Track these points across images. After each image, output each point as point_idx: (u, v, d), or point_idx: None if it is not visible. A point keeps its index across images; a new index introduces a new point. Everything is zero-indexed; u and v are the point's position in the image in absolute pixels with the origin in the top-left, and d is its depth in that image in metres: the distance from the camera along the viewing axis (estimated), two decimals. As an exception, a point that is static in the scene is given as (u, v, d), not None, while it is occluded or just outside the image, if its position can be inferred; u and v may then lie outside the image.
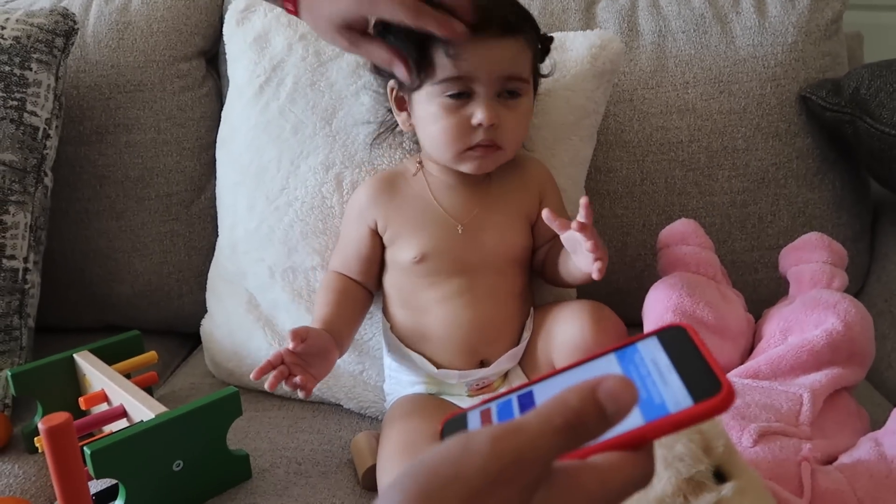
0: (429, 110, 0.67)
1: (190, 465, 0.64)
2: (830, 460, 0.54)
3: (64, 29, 0.88)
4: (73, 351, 0.77)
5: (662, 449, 0.46)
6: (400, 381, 0.74)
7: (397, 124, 0.75)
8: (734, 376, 0.67)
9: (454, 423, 0.35)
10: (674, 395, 0.30)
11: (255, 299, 0.82)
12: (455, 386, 0.71)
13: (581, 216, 0.62)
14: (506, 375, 0.73)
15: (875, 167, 0.84)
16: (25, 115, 0.84)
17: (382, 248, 0.74)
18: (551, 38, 0.72)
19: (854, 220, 0.93)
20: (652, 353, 0.32)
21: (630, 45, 0.93)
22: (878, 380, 0.84)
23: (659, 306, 0.69)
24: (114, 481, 0.63)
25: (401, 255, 0.72)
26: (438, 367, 0.71)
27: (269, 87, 0.81)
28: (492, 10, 0.64)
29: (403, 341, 0.73)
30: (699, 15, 0.94)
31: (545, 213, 0.65)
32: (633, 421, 0.29)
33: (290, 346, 0.62)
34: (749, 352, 0.72)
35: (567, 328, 0.69)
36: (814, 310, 0.68)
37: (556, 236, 0.75)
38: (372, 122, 0.78)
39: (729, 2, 0.95)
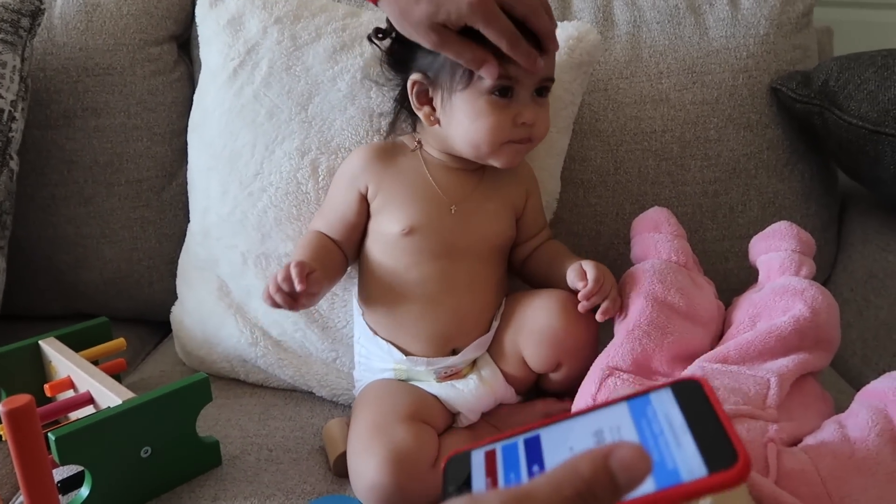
0: (474, 107, 0.67)
1: (158, 452, 0.63)
2: (796, 441, 0.55)
3: (30, 9, 0.86)
4: (39, 337, 0.76)
5: None
6: (370, 367, 0.74)
7: (400, 115, 0.75)
8: (704, 361, 0.67)
9: (457, 463, 0.34)
10: (687, 461, 0.28)
11: (227, 286, 0.81)
12: (424, 372, 0.71)
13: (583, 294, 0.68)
14: (474, 363, 0.73)
15: (843, 158, 0.85)
16: (-11, 96, 0.82)
17: (368, 217, 0.73)
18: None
19: (822, 210, 0.95)
20: (666, 409, 0.31)
21: (605, 36, 0.94)
22: (843, 367, 0.85)
23: (631, 293, 0.70)
24: (80, 468, 0.62)
25: (388, 225, 0.71)
26: (408, 354, 0.71)
27: (243, 70, 0.80)
28: None
29: (375, 328, 0.73)
30: (673, 6, 0.95)
31: (571, 276, 0.69)
32: (645, 487, 0.28)
33: (299, 286, 0.64)
34: (719, 338, 0.73)
35: (536, 317, 0.70)
36: (782, 297, 0.68)
37: (538, 235, 0.78)
38: (348, 112, 0.77)
39: (702, -7, 0.96)
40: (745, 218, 0.93)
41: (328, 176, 0.76)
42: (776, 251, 0.75)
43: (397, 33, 0.68)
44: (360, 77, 0.78)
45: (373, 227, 0.73)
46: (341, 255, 0.73)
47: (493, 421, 0.73)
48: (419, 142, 0.74)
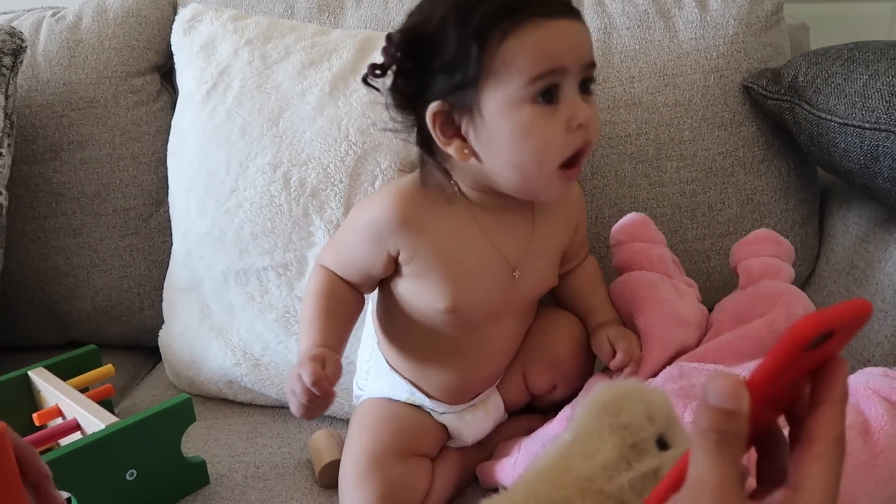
0: (514, 123, 0.54)
1: (144, 474, 0.64)
2: None
3: (11, 47, 0.88)
4: (28, 368, 0.77)
5: (609, 417, 0.47)
6: (380, 388, 0.70)
7: (427, 165, 0.61)
8: (682, 360, 0.68)
9: None
10: None
11: (209, 307, 0.82)
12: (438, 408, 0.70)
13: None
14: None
15: (815, 152, 0.86)
16: (-26, 134, 0.84)
17: (395, 271, 0.63)
18: None
19: (801, 204, 0.95)
20: None
21: (576, 43, 0.95)
22: (830, 359, 0.85)
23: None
24: (67, 495, 0.62)
25: (427, 297, 0.61)
26: (430, 397, 0.68)
27: (216, 92, 0.82)
28: None
29: (394, 366, 0.68)
30: (643, 11, 0.96)
31: (597, 349, 0.69)
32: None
33: (318, 390, 0.57)
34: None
35: (543, 345, 0.71)
36: (760, 300, 0.71)
37: (577, 258, 0.75)
38: (317, 122, 0.78)
39: (671, -3, 0.97)
40: (724, 216, 0.93)
41: (300, 187, 0.76)
42: (756, 256, 0.77)
43: (402, 59, 0.57)
44: (378, 128, 0.72)
45: (404, 286, 0.63)
46: (358, 297, 0.66)
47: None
48: (455, 184, 0.61)
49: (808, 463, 0.32)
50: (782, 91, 0.87)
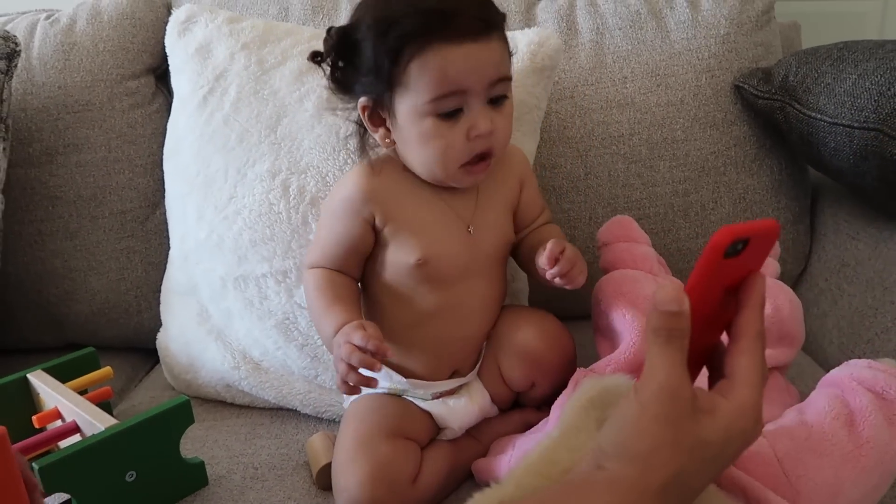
0: (419, 130, 0.62)
1: (143, 476, 0.65)
2: None
3: (6, 51, 0.88)
4: (27, 371, 0.77)
5: (595, 411, 0.49)
6: None
7: (365, 138, 0.69)
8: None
9: None
10: None
11: (207, 311, 0.83)
12: (420, 392, 0.71)
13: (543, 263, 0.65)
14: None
15: (806, 151, 0.86)
16: (-30, 138, 0.84)
17: (375, 243, 0.69)
18: (504, 15, 0.66)
19: (793, 203, 0.96)
20: None
21: (569, 44, 0.96)
22: (820, 355, 0.86)
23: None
24: (66, 496, 0.63)
25: (399, 255, 0.67)
26: (408, 376, 0.70)
27: (212, 97, 0.82)
28: (467, 9, 0.60)
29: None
30: (635, 12, 0.97)
31: (542, 261, 0.65)
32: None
33: (372, 346, 0.59)
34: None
35: (516, 338, 0.71)
36: None
37: (535, 221, 0.75)
38: (316, 130, 0.79)
39: (663, -2, 0.98)
40: (717, 215, 0.94)
41: (299, 195, 0.77)
42: None
43: (335, 55, 0.64)
44: (325, 108, 0.77)
45: (379, 254, 0.69)
46: (353, 283, 0.70)
47: (473, 433, 0.74)
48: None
49: (736, 356, 0.39)
50: (773, 90, 0.88)
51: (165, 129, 1.00)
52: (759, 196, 0.94)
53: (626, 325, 0.69)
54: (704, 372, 0.43)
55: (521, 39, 0.84)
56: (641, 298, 0.71)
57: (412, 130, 0.63)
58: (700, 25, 0.95)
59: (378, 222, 0.67)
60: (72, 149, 0.97)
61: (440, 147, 0.62)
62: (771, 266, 0.75)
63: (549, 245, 0.66)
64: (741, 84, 0.93)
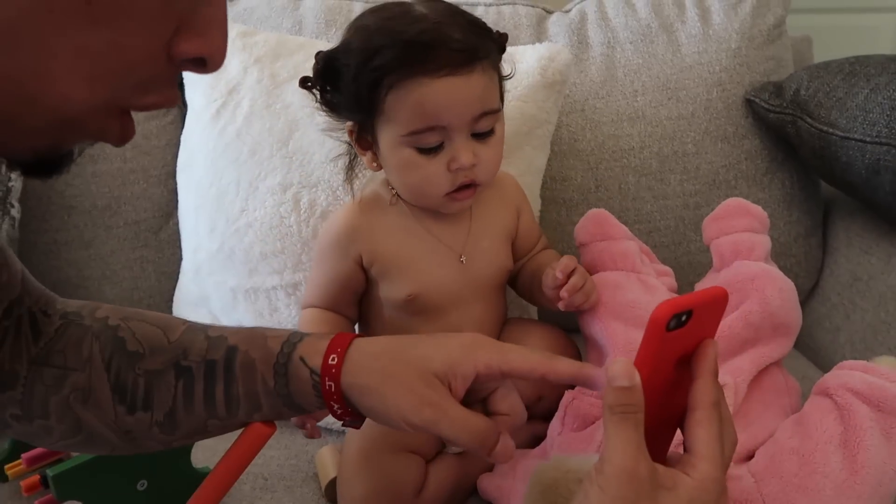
0: (398, 159, 0.62)
1: (155, 485, 0.65)
2: (751, 453, 0.55)
3: (25, 64, 0.90)
4: (41, 379, 0.78)
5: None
6: None
7: (355, 161, 0.71)
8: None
9: None
10: None
11: (219, 321, 0.84)
12: None
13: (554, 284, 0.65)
14: None
15: (818, 165, 0.86)
16: (-11, 149, 0.86)
17: (367, 281, 0.70)
18: (506, 36, 0.67)
19: (805, 216, 0.96)
20: None
21: (580, 57, 0.96)
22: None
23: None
24: (79, 504, 0.64)
25: (390, 291, 0.68)
26: None
27: (225, 110, 0.83)
28: (448, 41, 0.58)
29: None
30: (646, 25, 0.98)
31: (547, 280, 0.65)
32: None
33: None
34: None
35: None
36: (733, 288, 0.66)
37: (534, 249, 0.76)
38: (327, 145, 0.80)
39: (674, 11, 0.98)
40: (728, 228, 0.94)
41: (309, 209, 0.78)
42: (727, 233, 0.73)
43: (322, 80, 0.64)
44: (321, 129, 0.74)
45: (372, 291, 0.70)
46: (348, 324, 0.71)
47: None
48: (393, 189, 0.68)
49: (693, 428, 0.38)
50: (784, 104, 0.88)
51: (179, 141, 1.01)
52: (771, 210, 0.94)
53: (608, 338, 0.66)
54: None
55: (531, 54, 0.85)
56: (623, 307, 0.67)
57: (393, 158, 0.63)
58: (711, 39, 0.95)
59: (365, 262, 0.68)
60: (87, 159, 0.98)
61: (420, 177, 0.63)
62: (759, 247, 0.70)
63: (563, 259, 0.66)
64: (752, 98, 0.93)
